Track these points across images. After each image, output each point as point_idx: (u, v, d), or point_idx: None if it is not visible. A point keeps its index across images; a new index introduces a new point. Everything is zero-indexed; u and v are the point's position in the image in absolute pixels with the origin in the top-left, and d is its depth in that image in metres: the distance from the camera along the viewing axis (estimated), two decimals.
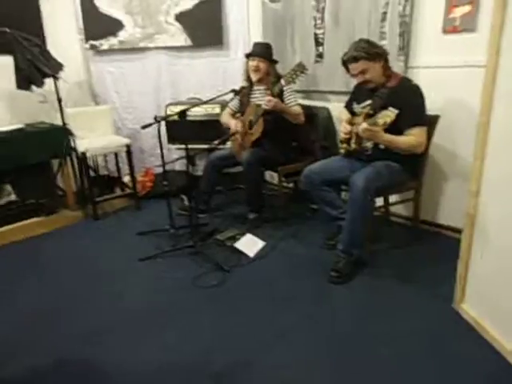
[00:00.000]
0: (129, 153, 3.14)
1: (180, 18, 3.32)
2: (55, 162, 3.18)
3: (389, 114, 1.80)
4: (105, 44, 3.38)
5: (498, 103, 1.47)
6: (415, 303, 1.90)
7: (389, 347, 1.64)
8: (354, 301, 1.96)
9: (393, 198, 2.50)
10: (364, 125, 1.90)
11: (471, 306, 1.73)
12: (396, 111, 1.79)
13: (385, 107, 1.99)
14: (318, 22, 2.89)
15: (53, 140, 2.95)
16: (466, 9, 2.20)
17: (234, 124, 2.79)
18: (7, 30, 2.76)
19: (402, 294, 1.97)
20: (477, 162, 1.58)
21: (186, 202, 3.10)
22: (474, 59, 2.13)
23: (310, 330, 1.77)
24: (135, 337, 1.78)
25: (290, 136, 2.86)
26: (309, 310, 1.90)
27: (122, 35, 3.35)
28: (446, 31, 2.30)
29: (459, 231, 2.33)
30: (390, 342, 1.66)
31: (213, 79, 3.49)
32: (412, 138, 2.01)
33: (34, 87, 2.94)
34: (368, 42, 2.11)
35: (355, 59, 2.07)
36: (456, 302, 1.81)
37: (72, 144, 3.03)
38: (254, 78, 2.74)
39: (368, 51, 2.04)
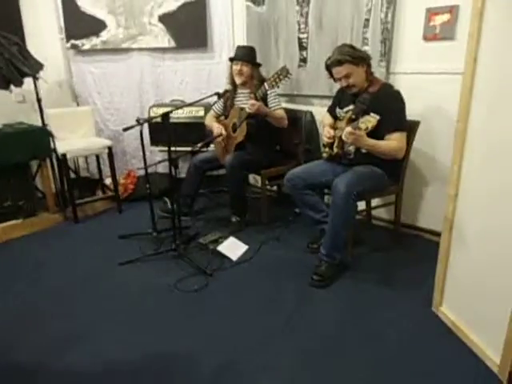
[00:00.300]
0: (110, 155, 3.09)
1: (164, 19, 3.29)
2: (34, 164, 3.12)
3: (370, 120, 1.83)
4: (87, 44, 3.33)
5: (475, 110, 1.50)
6: (395, 306, 1.92)
7: (369, 350, 1.65)
8: (335, 304, 1.97)
9: (374, 202, 2.53)
10: (348, 128, 1.92)
11: (449, 309, 1.76)
12: (377, 117, 1.82)
13: (366, 112, 2.03)
14: (302, 26, 2.91)
15: (32, 141, 2.88)
16: (446, 17, 2.25)
17: (216, 127, 2.79)
18: None
19: (382, 297, 1.99)
20: (455, 166, 1.61)
21: (169, 205, 3.07)
22: (453, 66, 2.18)
23: (292, 333, 1.77)
24: (115, 341, 1.74)
25: (274, 139, 2.87)
26: (291, 313, 1.90)
27: (105, 35, 3.30)
28: (426, 38, 2.35)
29: (439, 234, 2.39)
30: (370, 345, 1.68)
31: (197, 81, 3.48)
32: (393, 142, 2.04)
33: (12, 87, 2.86)
34: (351, 46, 2.14)
35: (339, 63, 2.09)
36: (435, 305, 1.84)
37: (52, 145, 2.96)
38: (237, 81, 2.74)
39: (352, 55, 2.07)
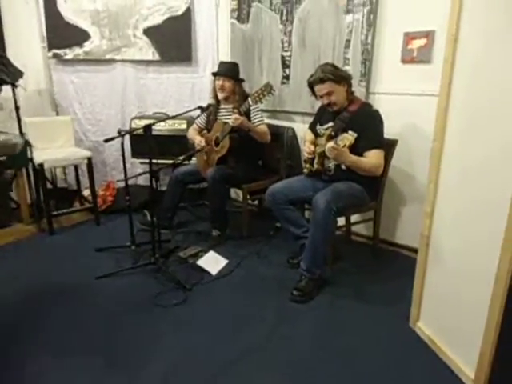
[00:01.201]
0: (90, 166, 3.04)
1: (148, 32, 3.31)
2: (9, 173, 3.03)
3: (348, 138, 1.88)
4: (69, 53, 3.30)
5: (451, 130, 1.56)
6: (374, 322, 1.94)
7: (346, 365, 1.65)
8: (314, 319, 1.96)
9: (354, 218, 2.57)
10: (331, 144, 1.95)
11: (426, 325, 1.78)
12: (355, 135, 1.87)
13: (345, 130, 2.08)
14: (285, 44, 2.97)
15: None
16: (423, 42, 2.35)
17: (198, 140, 2.79)
18: None
19: (361, 313, 2.01)
20: (431, 184, 1.66)
21: (149, 218, 3.03)
22: (429, 88, 2.27)
23: (271, 348, 1.76)
24: (91, 357, 1.69)
25: (256, 154, 2.89)
26: (271, 328, 1.88)
27: (88, 46, 3.29)
28: (404, 61, 2.44)
29: (415, 250, 2.43)
30: (349, 361, 1.68)
31: (180, 95, 3.49)
32: (372, 159, 2.09)
33: None
34: (333, 65, 2.20)
35: (322, 80, 2.14)
36: (412, 321, 1.86)
37: (29, 155, 2.90)
38: (219, 96, 2.76)
39: (334, 74, 2.13)
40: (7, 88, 2.83)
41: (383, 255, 2.61)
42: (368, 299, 2.12)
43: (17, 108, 2.88)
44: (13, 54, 2.92)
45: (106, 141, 2.27)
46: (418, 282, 1.81)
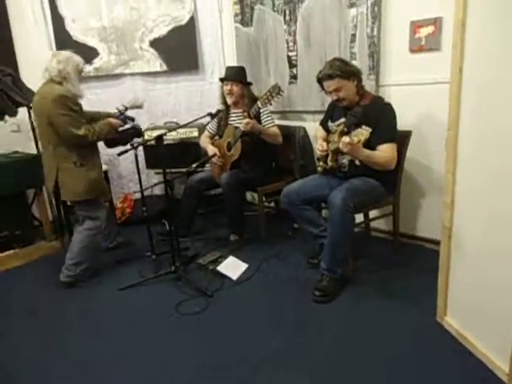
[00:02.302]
0: (106, 179, 3.09)
1: (155, 44, 3.36)
2: (30, 191, 3.11)
3: (362, 133, 1.84)
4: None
5: (464, 117, 1.52)
6: (399, 318, 1.90)
7: (374, 365, 1.62)
8: (338, 319, 1.94)
9: (372, 214, 2.53)
10: (346, 139, 1.90)
11: (454, 318, 1.73)
12: (369, 130, 1.83)
13: (358, 125, 2.05)
14: (291, 44, 2.97)
15: (27, 170, 2.88)
16: (430, 29, 2.30)
17: (211, 150, 2.80)
18: None
19: (386, 310, 1.97)
20: (448, 174, 1.62)
21: (167, 227, 3.06)
22: (440, 76, 2.22)
23: (296, 350, 1.74)
24: (117, 367, 1.71)
25: (269, 156, 2.88)
26: (294, 330, 1.87)
27: (97, 62, 3.36)
28: (412, 50, 2.39)
29: (438, 243, 2.37)
30: (376, 360, 1.65)
31: (189, 103, 3.52)
32: (385, 153, 2.05)
33: (7, 117, 2.89)
34: (342, 60, 2.17)
35: (330, 77, 2.12)
36: (439, 315, 1.82)
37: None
38: (228, 101, 2.77)
39: (342, 69, 2.10)
40: (23, 110, 2.91)
41: (405, 249, 2.55)
42: (392, 295, 2.08)
43: (33, 129, 2.94)
44: (26, 77, 3.00)
45: (120, 154, 2.31)
46: (442, 275, 1.76)
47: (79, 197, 2.37)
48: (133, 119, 2.56)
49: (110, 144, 2.53)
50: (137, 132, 2.56)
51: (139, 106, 2.61)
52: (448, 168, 1.61)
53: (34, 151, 2.99)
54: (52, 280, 2.53)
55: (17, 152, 3.09)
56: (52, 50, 3.28)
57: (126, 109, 2.53)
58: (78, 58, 2.37)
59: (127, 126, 2.52)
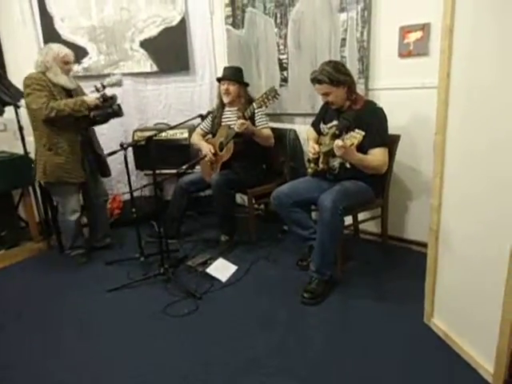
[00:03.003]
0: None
1: (145, 44, 3.34)
2: (16, 192, 3.06)
3: (356, 136, 1.84)
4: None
5: (452, 121, 1.54)
6: (388, 320, 1.91)
7: (362, 366, 1.63)
8: (327, 321, 1.95)
9: (361, 216, 2.55)
10: (339, 142, 1.90)
11: (441, 320, 1.76)
12: (363, 133, 1.83)
13: (350, 128, 2.06)
14: (281, 47, 2.98)
15: (14, 170, 2.84)
16: (419, 34, 2.34)
17: (205, 146, 2.80)
18: None
19: (374, 312, 1.99)
20: (436, 178, 1.64)
21: (156, 229, 3.04)
22: (429, 81, 2.25)
23: (285, 352, 1.74)
24: (105, 369, 1.69)
25: (260, 158, 2.88)
26: (283, 332, 1.87)
27: (86, 62, 3.32)
28: (401, 55, 2.43)
29: (425, 245, 2.41)
30: (364, 361, 1.66)
31: (180, 104, 3.50)
32: (377, 157, 2.07)
33: None
34: (335, 67, 2.13)
35: (319, 82, 2.14)
36: (426, 317, 1.84)
37: (34, 173, 2.92)
38: (225, 100, 2.78)
39: (331, 77, 2.10)
40: (10, 109, 2.86)
41: (393, 252, 2.58)
42: (381, 298, 2.09)
43: (20, 128, 2.90)
44: (13, 75, 2.96)
45: (109, 154, 2.30)
46: (429, 278, 1.78)
47: (40, 178, 2.58)
48: (111, 97, 2.52)
49: (90, 122, 2.53)
50: (114, 111, 2.53)
51: (116, 84, 2.56)
52: (436, 171, 1.64)
53: (20, 151, 2.95)
54: (39, 281, 2.50)
55: (3, 152, 3.04)
56: (40, 48, 3.24)
57: (104, 87, 2.51)
58: (58, 48, 2.46)
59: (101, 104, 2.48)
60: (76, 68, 3.30)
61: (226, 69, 2.87)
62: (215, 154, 2.75)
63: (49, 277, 2.57)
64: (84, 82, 3.38)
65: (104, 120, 2.55)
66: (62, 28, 3.23)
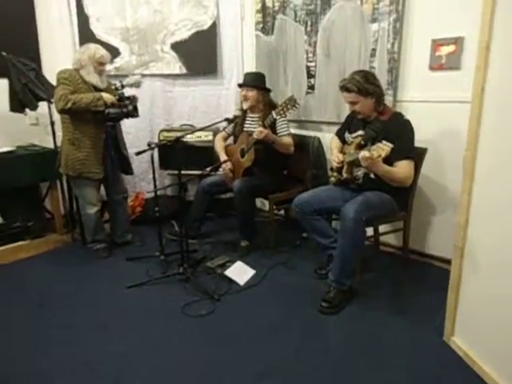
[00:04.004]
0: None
1: (175, 46, 3.40)
2: (44, 185, 3.16)
3: (384, 148, 1.82)
4: None
5: (484, 139, 1.52)
6: (405, 335, 1.89)
7: (378, 380, 1.62)
8: (344, 332, 1.94)
9: (382, 228, 2.52)
10: (366, 153, 1.88)
11: (462, 339, 1.73)
12: (391, 145, 1.81)
13: (376, 139, 2.05)
14: (310, 55, 2.99)
15: (43, 163, 2.93)
16: (451, 48, 2.31)
17: (223, 158, 2.84)
18: (4, 54, 2.80)
19: (392, 326, 1.96)
20: (464, 194, 1.62)
21: (177, 228, 3.08)
22: (459, 95, 2.23)
23: (300, 360, 1.74)
24: (122, 364, 1.72)
25: (281, 164, 2.90)
26: (299, 340, 1.87)
27: (118, 62, 3.40)
28: (432, 68, 2.41)
29: (448, 262, 2.37)
30: (380, 375, 1.64)
31: (205, 106, 3.55)
32: (403, 170, 2.05)
33: (27, 110, 2.94)
34: (365, 76, 2.11)
35: (347, 90, 2.13)
36: (446, 335, 1.81)
37: (58, 164, 3.01)
38: (244, 106, 2.81)
39: (359, 86, 2.09)
40: (43, 104, 2.96)
41: (413, 266, 2.55)
42: (399, 311, 2.07)
43: (52, 123, 3.00)
44: (48, 71, 3.05)
45: (138, 154, 2.35)
46: (452, 295, 1.75)
47: (62, 170, 2.69)
48: (128, 97, 2.59)
49: (106, 118, 2.57)
50: (128, 111, 2.58)
51: (135, 84, 2.64)
52: (464, 188, 1.61)
53: (50, 145, 3.04)
54: (62, 273, 2.58)
55: (34, 145, 3.14)
56: (75, 47, 3.34)
57: (123, 86, 2.59)
58: (95, 49, 2.56)
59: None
60: (108, 67, 3.40)
61: (246, 75, 2.89)
62: (236, 162, 2.78)
63: (71, 269, 2.63)
64: (115, 81, 3.49)
65: (117, 118, 2.62)
66: (97, 28, 3.33)
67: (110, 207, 2.96)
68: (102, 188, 2.89)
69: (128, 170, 2.90)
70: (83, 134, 2.57)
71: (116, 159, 2.77)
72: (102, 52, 2.57)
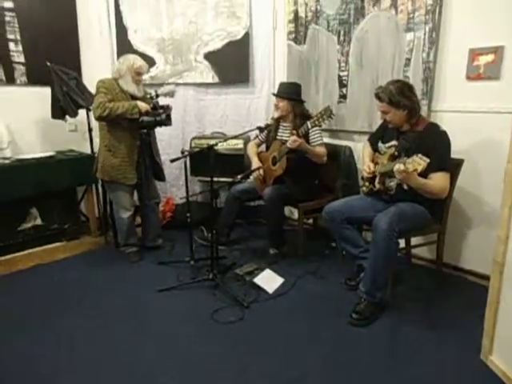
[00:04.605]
0: None
1: (209, 56, 3.48)
2: (80, 189, 3.28)
3: (420, 162, 1.77)
4: None
5: None
6: (440, 351, 1.84)
7: None
8: (375, 346, 1.90)
9: (415, 240, 2.47)
10: (401, 167, 1.84)
11: (501, 359, 1.66)
12: (427, 160, 1.75)
13: (410, 150, 2.02)
14: (342, 64, 2.99)
15: (80, 168, 3.06)
16: (490, 58, 2.26)
17: (255, 163, 2.86)
18: (48, 63, 2.95)
19: (425, 341, 1.91)
20: (505, 208, 1.57)
21: (206, 233, 3.13)
22: (498, 106, 2.18)
23: (327, 373, 1.73)
24: (153, 368, 1.76)
25: (313, 174, 2.89)
26: (327, 353, 1.85)
27: (154, 71, 3.51)
28: (469, 78, 2.35)
29: (483, 277, 2.30)
30: None
31: (236, 115, 3.61)
32: (438, 182, 2.00)
33: (67, 117, 3.08)
34: (400, 88, 2.07)
35: (379, 98, 2.12)
36: (484, 353, 1.74)
37: (95, 169, 3.12)
38: (275, 115, 2.84)
39: (391, 97, 2.06)
40: (82, 111, 3.09)
41: (447, 280, 2.47)
42: (433, 326, 2.02)
43: (90, 130, 3.12)
44: (88, 80, 3.19)
45: (173, 161, 2.40)
46: (490, 312, 1.69)
47: (98, 175, 2.79)
48: (162, 107, 2.66)
49: (140, 126, 2.66)
50: (162, 120, 2.66)
51: (169, 94, 2.71)
52: (505, 202, 1.56)
53: (87, 151, 3.16)
54: (95, 274, 2.66)
55: (72, 150, 3.28)
56: (114, 57, 3.48)
57: (157, 96, 2.67)
58: (133, 59, 2.65)
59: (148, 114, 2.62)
60: (144, 76, 3.51)
61: (281, 85, 2.90)
62: (268, 169, 2.80)
63: (105, 271, 2.71)
64: (149, 89, 3.60)
65: (151, 126, 2.70)
66: (135, 39, 3.45)
67: (142, 212, 3.04)
68: (136, 193, 2.97)
69: (161, 176, 2.98)
70: (119, 141, 2.65)
71: (149, 165, 2.85)
72: (140, 63, 2.66)
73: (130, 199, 2.83)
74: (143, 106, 2.61)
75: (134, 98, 2.69)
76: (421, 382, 1.66)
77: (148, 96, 2.73)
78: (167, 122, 2.71)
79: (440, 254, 2.40)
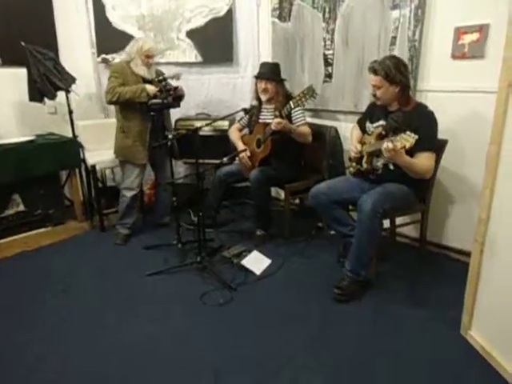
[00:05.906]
0: None
1: (191, 34, 3.38)
2: (63, 173, 3.22)
3: (408, 139, 1.78)
4: (117, 58, 3.43)
5: (509, 134, 1.49)
6: (421, 327, 1.90)
7: (392, 371, 1.64)
8: (359, 322, 1.96)
9: (399, 220, 2.52)
10: (390, 145, 1.85)
11: (479, 333, 1.73)
12: (416, 137, 1.77)
13: (397, 130, 2.02)
14: (328, 43, 2.94)
15: (62, 152, 2.98)
16: (475, 36, 2.24)
17: (240, 147, 2.84)
18: (22, 43, 2.82)
19: (407, 317, 1.98)
20: (486, 190, 1.60)
21: (193, 217, 3.13)
22: (482, 85, 2.18)
23: (316, 348, 1.78)
24: (143, 353, 1.78)
25: (298, 154, 2.89)
26: (314, 331, 1.90)
27: None
28: (454, 57, 2.34)
29: (465, 253, 2.36)
30: (394, 366, 1.67)
31: (221, 95, 3.54)
32: (424, 162, 2.02)
33: (46, 99, 2.98)
34: (396, 64, 2.06)
35: (375, 72, 2.09)
36: (463, 329, 1.81)
37: (81, 156, 3.06)
38: (263, 98, 2.77)
39: (388, 72, 2.04)
40: (61, 93, 2.99)
41: (430, 258, 2.54)
42: (415, 303, 2.08)
43: (70, 112, 3.04)
44: (66, 61, 3.08)
45: (154, 147, 2.37)
46: (470, 289, 1.75)
47: (115, 155, 2.89)
48: (168, 90, 2.64)
49: (149, 109, 2.66)
50: (168, 103, 2.66)
51: (175, 77, 2.73)
52: (486, 183, 1.59)
53: (69, 133, 3.08)
54: (83, 259, 2.65)
55: (53, 134, 3.19)
56: (91, 36, 3.35)
57: (165, 79, 2.66)
58: (142, 42, 2.69)
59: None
60: (124, 55, 3.40)
61: (262, 65, 2.83)
62: (252, 152, 2.78)
63: (91, 255, 2.71)
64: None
65: (159, 109, 2.69)
66: (113, 16, 3.32)
67: (156, 191, 3.14)
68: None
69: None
70: (131, 123, 2.73)
71: (163, 146, 2.81)
72: (148, 45, 2.67)
73: (137, 179, 2.86)
74: (151, 89, 2.63)
75: (145, 80, 2.70)
76: (402, 356, 1.72)
77: (156, 79, 2.72)
78: (175, 104, 2.74)
79: (424, 232, 2.45)
